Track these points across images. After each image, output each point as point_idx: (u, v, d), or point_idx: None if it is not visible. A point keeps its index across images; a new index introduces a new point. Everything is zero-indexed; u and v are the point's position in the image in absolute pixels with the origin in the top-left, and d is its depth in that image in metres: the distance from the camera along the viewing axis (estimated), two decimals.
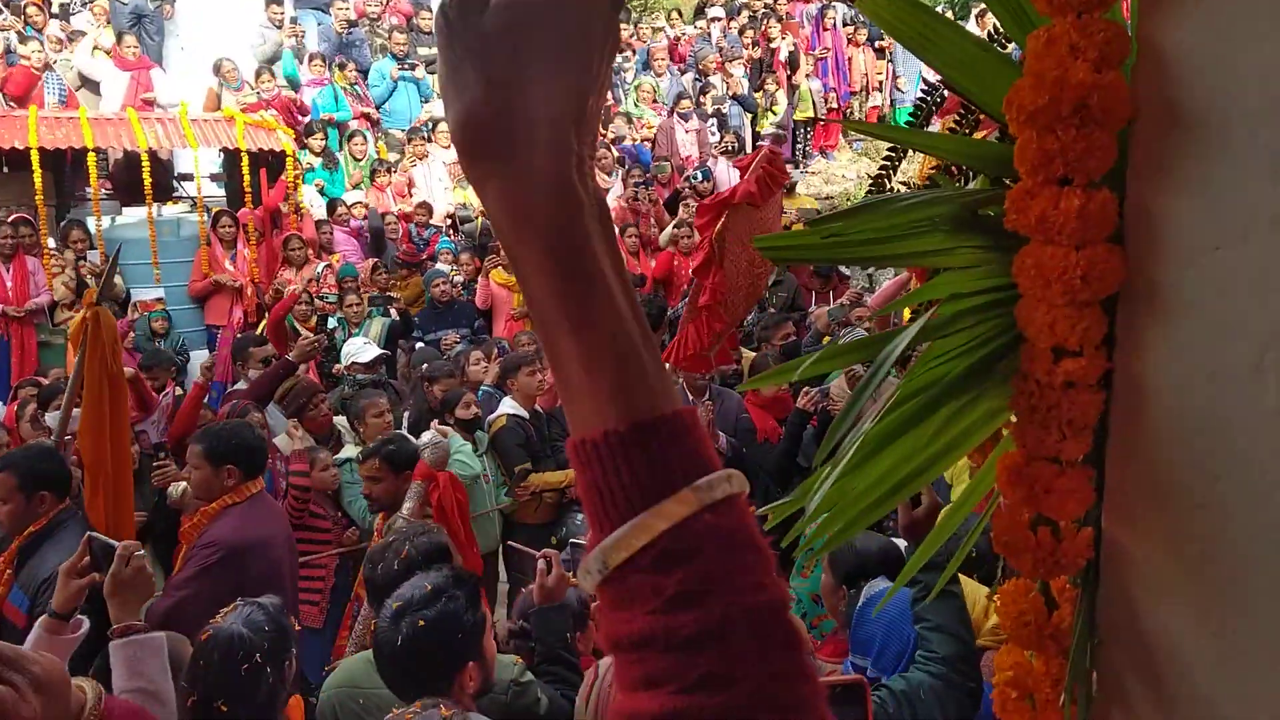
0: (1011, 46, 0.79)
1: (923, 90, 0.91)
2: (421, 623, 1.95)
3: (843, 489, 0.72)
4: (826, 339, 5.99)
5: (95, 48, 9.09)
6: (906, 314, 5.92)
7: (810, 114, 11.67)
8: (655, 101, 10.83)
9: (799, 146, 11.85)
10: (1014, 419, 0.73)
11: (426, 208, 9.15)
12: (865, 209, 0.70)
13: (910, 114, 0.93)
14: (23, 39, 8.93)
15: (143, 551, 2.32)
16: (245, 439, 3.47)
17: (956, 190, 0.75)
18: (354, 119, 9.89)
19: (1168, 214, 0.68)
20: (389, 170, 9.32)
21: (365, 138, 9.61)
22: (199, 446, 3.38)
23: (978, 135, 0.84)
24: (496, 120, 0.48)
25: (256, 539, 3.24)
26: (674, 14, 13.08)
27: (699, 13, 13.17)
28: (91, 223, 7.88)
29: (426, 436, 3.78)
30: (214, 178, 8.96)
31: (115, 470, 3.69)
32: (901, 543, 2.67)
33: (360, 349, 6.44)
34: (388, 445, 3.94)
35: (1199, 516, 0.68)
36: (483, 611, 2.17)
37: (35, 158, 7.46)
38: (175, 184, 9.19)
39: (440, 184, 9.58)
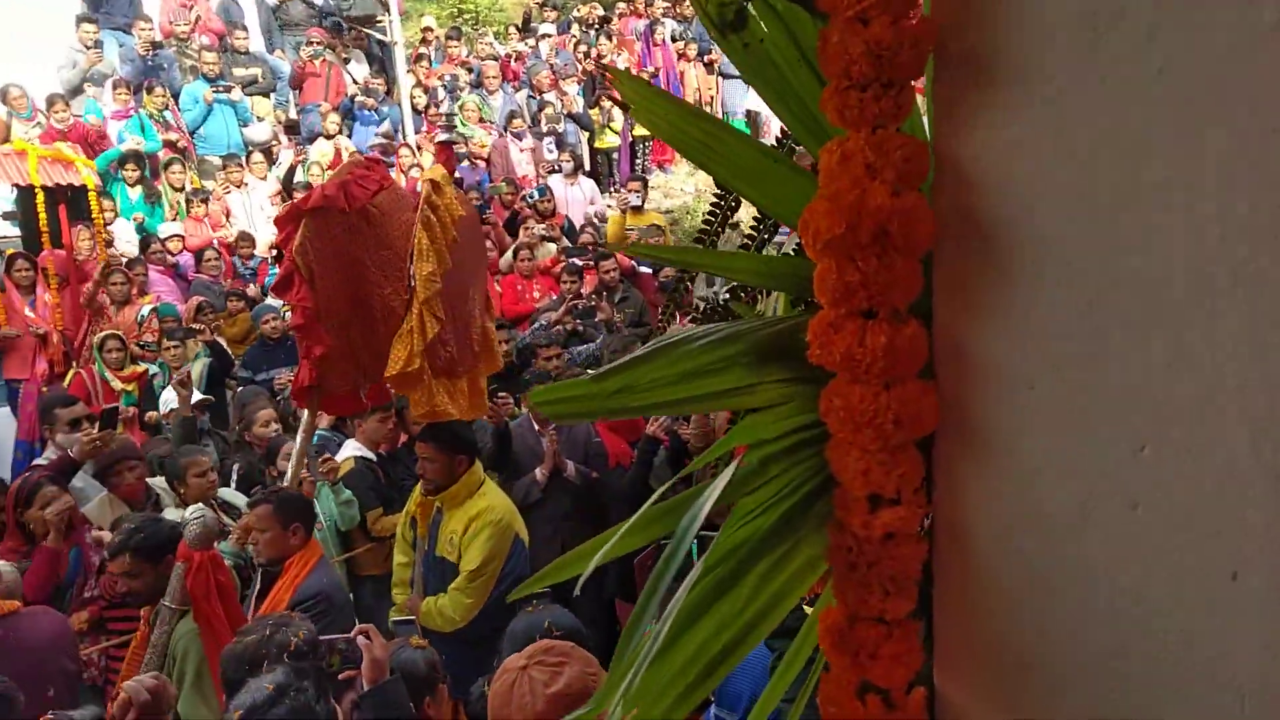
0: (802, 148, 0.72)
1: (713, 203, 0.83)
2: None
3: (657, 673, 0.62)
4: None
5: None
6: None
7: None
8: (482, 120, 10.62)
9: (638, 162, 11.91)
10: (832, 572, 0.65)
11: (248, 238, 8.64)
12: (657, 353, 0.61)
13: (699, 232, 0.84)
14: None
15: None
16: None
17: (754, 321, 0.67)
18: (163, 148, 9.24)
19: (978, 346, 0.62)
20: (204, 200, 8.74)
21: (182, 165, 8.99)
22: None
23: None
24: None
25: None
26: (509, 29, 12.93)
27: (525, 27, 13.06)
28: None
29: (188, 513, 3.40)
30: (6, 216, 8.17)
31: None
32: None
33: (174, 399, 5.98)
34: (136, 534, 3.39)
35: (1032, 678, 0.62)
36: (332, 705, 2.00)
37: None
38: None
39: (261, 212, 9.07)
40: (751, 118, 12.70)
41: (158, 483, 4.60)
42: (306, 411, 3.70)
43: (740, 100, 12.52)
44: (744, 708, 2.22)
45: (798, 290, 0.68)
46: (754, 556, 0.64)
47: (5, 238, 7.93)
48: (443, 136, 9.40)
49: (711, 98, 12.42)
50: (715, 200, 0.84)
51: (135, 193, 8.67)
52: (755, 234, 0.77)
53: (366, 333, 3.57)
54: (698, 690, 0.66)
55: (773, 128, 12.52)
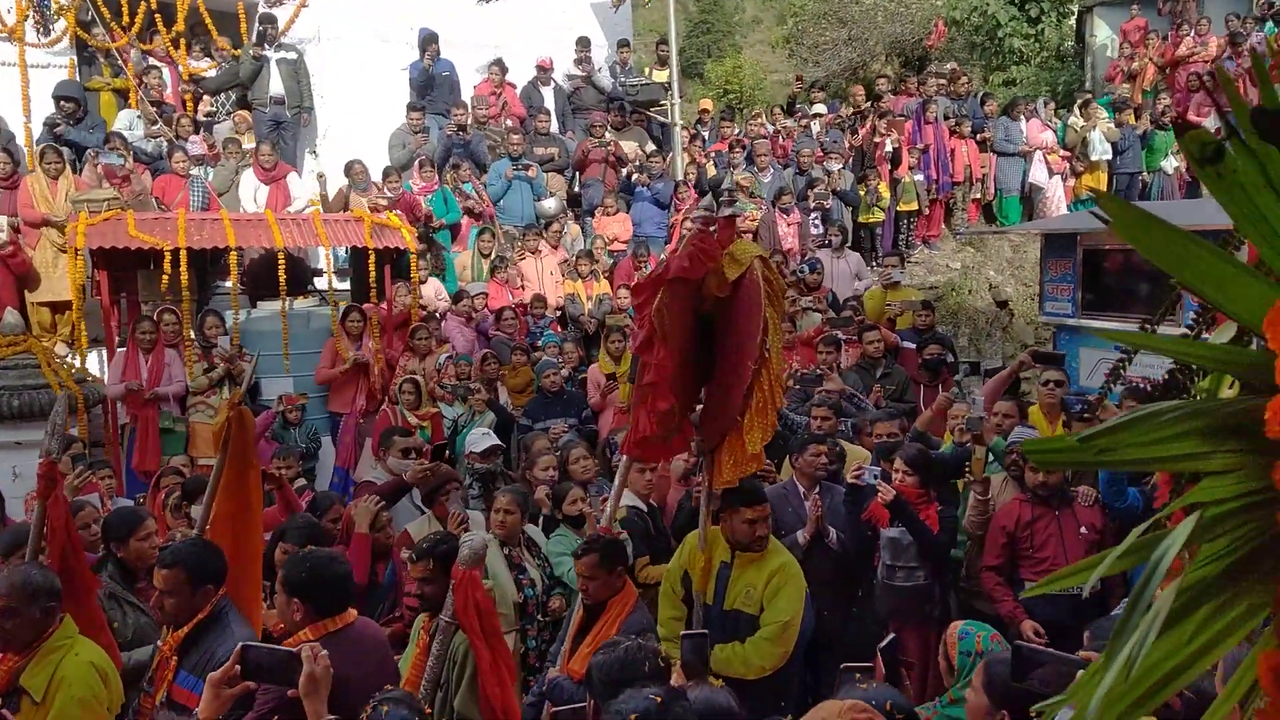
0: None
1: (1195, 315, 0.95)
2: None
3: (1115, 684, 0.76)
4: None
5: (239, 163, 9.88)
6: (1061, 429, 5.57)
7: (914, 205, 11.71)
8: (752, 195, 11.03)
9: (902, 237, 11.86)
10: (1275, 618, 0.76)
11: (541, 300, 9.49)
12: (1132, 423, 0.75)
13: (1144, 323, 0.98)
14: (171, 149, 9.74)
15: (325, 651, 2.45)
16: (320, 574, 3.21)
17: (1210, 401, 0.80)
18: (463, 218, 10.40)
19: None
20: (506, 267, 9.73)
21: (492, 234, 10.08)
22: (280, 572, 3.29)
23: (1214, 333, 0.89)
24: None
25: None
26: (774, 109, 13.41)
27: (789, 109, 13.46)
28: (229, 316, 8.39)
29: (464, 536, 3.79)
30: (340, 273, 9.47)
31: (246, 562, 3.82)
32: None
33: (478, 439, 6.62)
34: (440, 545, 3.84)
35: None
36: None
37: (183, 256, 8.02)
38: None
39: (551, 277, 9.93)
40: (1028, 195, 12.34)
41: (475, 517, 5.14)
42: (624, 459, 4.05)
43: (1014, 177, 12.21)
44: None
45: (1245, 377, 0.81)
46: (1205, 595, 0.77)
47: (339, 290, 9.17)
48: (727, 211, 9.89)
49: (984, 175, 12.19)
50: (1198, 313, 0.97)
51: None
52: (1196, 324, 0.90)
53: (688, 386, 3.92)
54: (1144, 705, 0.79)
55: (1050, 206, 12.04)
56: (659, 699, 2.01)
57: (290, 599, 3.21)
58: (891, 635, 3.18)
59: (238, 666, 2.56)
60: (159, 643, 3.49)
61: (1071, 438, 0.77)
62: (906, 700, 2.45)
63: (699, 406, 4.12)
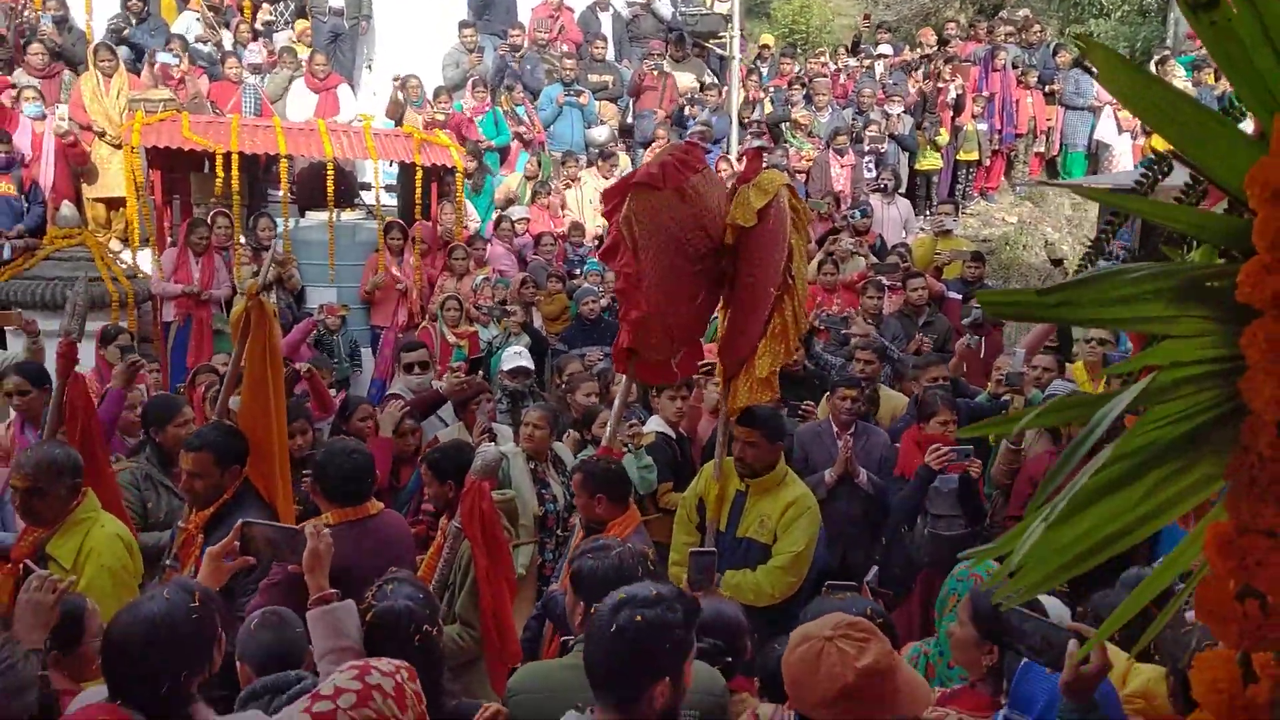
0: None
1: (1151, 159, 0.92)
2: (639, 619, 1.95)
3: (1048, 540, 0.75)
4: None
5: (293, 73, 9.89)
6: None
7: (975, 155, 11.39)
8: (811, 135, 10.81)
9: (959, 187, 11.57)
10: (1228, 488, 0.74)
11: (579, 228, 9.46)
12: (1096, 279, 0.73)
13: (1137, 182, 0.95)
14: (225, 55, 9.79)
15: (328, 529, 2.51)
16: (333, 462, 3.36)
17: (1181, 264, 0.77)
18: (512, 141, 10.33)
19: None
20: (549, 193, 9.70)
21: (540, 162, 10.03)
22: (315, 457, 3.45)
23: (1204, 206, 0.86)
24: None
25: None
26: (839, 50, 13.07)
27: (854, 49, 13.09)
28: (279, 224, 8.50)
29: (480, 447, 3.85)
30: (389, 188, 9.51)
31: (278, 451, 3.81)
32: (1051, 602, 2.60)
33: (510, 358, 6.65)
34: (435, 453, 3.95)
35: None
36: (693, 638, 2.08)
37: (235, 161, 8.12)
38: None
39: (590, 206, 9.89)
40: (1094, 152, 11.93)
41: (504, 430, 5.22)
42: (624, 377, 4.03)
43: (1081, 132, 11.80)
44: (1038, 713, 2.22)
45: (1224, 243, 0.78)
46: (1156, 461, 0.75)
47: (386, 206, 9.21)
48: (756, 143, 9.70)
49: (1049, 128, 11.79)
50: (1150, 161, 0.94)
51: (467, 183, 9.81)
52: (1187, 195, 0.86)
53: (677, 306, 3.77)
54: (1078, 566, 0.78)
55: (1116, 162, 11.63)
56: (656, 591, 2.02)
57: (314, 486, 3.37)
58: (875, 569, 3.22)
59: (237, 542, 2.66)
60: (179, 524, 3.63)
61: (1030, 291, 0.74)
62: (880, 608, 2.48)
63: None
